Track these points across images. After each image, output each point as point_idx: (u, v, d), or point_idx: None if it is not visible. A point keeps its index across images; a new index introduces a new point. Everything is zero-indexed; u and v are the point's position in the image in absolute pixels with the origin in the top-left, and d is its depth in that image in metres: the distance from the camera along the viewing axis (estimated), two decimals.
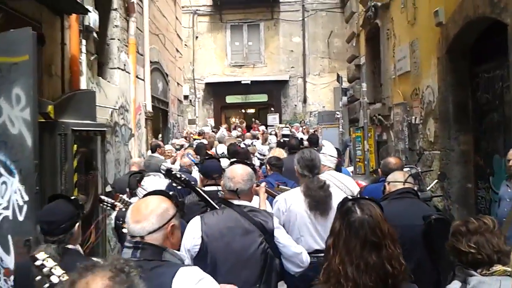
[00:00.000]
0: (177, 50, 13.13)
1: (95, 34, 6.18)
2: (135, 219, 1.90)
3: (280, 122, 17.94)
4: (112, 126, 6.86)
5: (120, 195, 3.97)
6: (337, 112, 12.96)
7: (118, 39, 7.28)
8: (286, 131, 14.38)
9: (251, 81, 18.04)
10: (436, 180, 5.77)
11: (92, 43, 6.16)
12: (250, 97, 18.80)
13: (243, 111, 21.14)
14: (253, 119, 17.59)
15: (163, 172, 3.71)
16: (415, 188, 3.49)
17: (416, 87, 7.95)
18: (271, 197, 3.65)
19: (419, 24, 7.76)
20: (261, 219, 2.69)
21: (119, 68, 7.31)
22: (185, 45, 18.09)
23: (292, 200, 3.34)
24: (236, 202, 2.76)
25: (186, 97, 18.43)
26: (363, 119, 7.37)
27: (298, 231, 3.29)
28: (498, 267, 2.05)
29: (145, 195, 2.11)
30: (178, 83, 13.46)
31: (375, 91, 10.64)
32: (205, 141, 10.99)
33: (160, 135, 10.76)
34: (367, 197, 2.06)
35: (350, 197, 2.12)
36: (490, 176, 6.12)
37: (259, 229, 2.64)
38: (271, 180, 4.78)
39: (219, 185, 3.76)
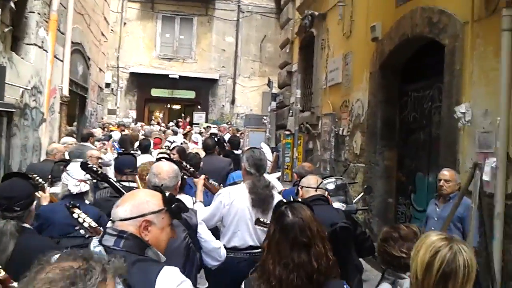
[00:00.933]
0: (103, 34, 12.31)
1: (12, 4, 5.47)
2: (118, 203, 1.87)
3: (207, 121, 17.61)
4: (22, 108, 6.15)
5: (34, 175, 3.59)
6: (265, 117, 12.86)
7: (38, 13, 6.57)
8: (214, 130, 14.14)
9: (180, 76, 17.52)
10: (362, 193, 5.76)
11: (8, 14, 5.46)
12: (177, 93, 18.23)
13: (168, 106, 20.45)
14: (182, 115, 17.08)
15: (80, 165, 3.35)
16: (326, 195, 3.51)
17: (346, 99, 8.00)
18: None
19: (355, 37, 7.81)
20: (186, 215, 2.62)
21: (35, 45, 6.59)
22: (112, 30, 17.15)
23: (236, 195, 3.44)
24: None
25: (108, 85, 17.49)
26: (294, 126, 7.25)
27: (237, 225, 3.42)
28: None
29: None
30: (100, 69, 12.61)
31: (305, 99, 10.65)
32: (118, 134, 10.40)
33: (75, 123, 9.96)
34: (299, 199, 2.29)
35: (284, 201, 2.28)
36: (412, 193, 6.24)
37: (183, 224, 2.64)
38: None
39: (132, 181, 3.91)
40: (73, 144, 7.20)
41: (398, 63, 6.73)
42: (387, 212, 6.70)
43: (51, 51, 7.23)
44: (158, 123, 17.22)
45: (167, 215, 1.89)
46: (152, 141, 10.09)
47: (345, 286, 2.02)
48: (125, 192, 2.95)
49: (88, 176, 3.36)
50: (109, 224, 1.86)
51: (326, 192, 3.81)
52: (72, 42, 8.71)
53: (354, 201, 5.75)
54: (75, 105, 10.33)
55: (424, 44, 6.00)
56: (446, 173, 4.34)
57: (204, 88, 18.21)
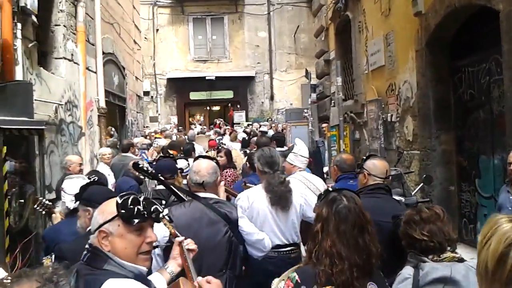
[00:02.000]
0: (135, 42, 12.24)
1: (34, 18, 5.33)
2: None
3: (247, 120, 17.35)
4: (57, 124, 6.02)
5: (40, 198, 3.81)
6: (305, 110, 12.41)
7: (64, 26, 6.43)
8: (265, 128, 13.82)
9: (216, 77, 17.33)
10: (421, 184, 5.25)
11: (31, 28, 5.32)
12: (215, 94, 18.07)
13: (207, 108, 20.33)
14: (219, 118, 16.92)
15: (132, 165, 3.34)
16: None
17: (392, 82, 7.46)
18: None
19: (395, 14, 7.26)
20: (226, 210, 2.84)
21: (65, 58, 6.47)
22: (145, 38, 17.19)
23: (255, 197, 3.39)
24: (202, 194, 2.87)
25: (147, 93, 17.57)
26: (338, 117, 6.79)
27: (261, 226, 3.32)
28: (448, 254, 2.25)
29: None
30: (136, 78, 12.56)
31: (346, 87, 10.14)
32: (164, 141, 10.27)
33: (115, 133, 9.86)
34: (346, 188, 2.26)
35: (330, 189, 2.29)
36: (476, 179, 5.66)
37: (224, 219, 2.79)
38: (252, 179, 4.42)
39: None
40: (107, 155, 7.05)
41: (447, 37, 6.15)
42: (450, 201, 6.13)
43: (83, 63, 7.11)
44: (200, 125, 17.15)
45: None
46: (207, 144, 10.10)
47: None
48: (176, 190, 3.10)
49: None
50: None
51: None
52: (104, 53, 8.61)
53: (413, 193, 5.24)
54: (115, 116, 10.28)
55: (474, 13, 5.41)
56: None
57: (241, 86, 17.94)
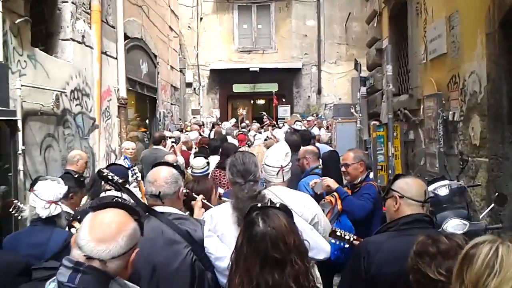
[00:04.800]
0: (171, 29, 11.49)
1: None
2: (98, 237, 1.58)
3: (292, 115, 16.34)
4: (59, 115, 5.29)
5: (15, 201, 3.39)
6: (352, 106, 11.22)
7: (73, 2, 5.68)
8: (298, 126, 12.83)
9: (260, 69, 16.42)
10: (492, 205, 4.06)
11: (21, 1, 4.56)
12: (259, 86, 17.15)
13: (251, 101, 19.43)
14: (261, 113, 15.99)
15: (97, 173, 3.08)
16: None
17: (455, 73, 6.20)
18: None
19: None
20: (189, 228, 2.43)
21: (73, 40, 5.74)
22: (189, 27, 16.55)
23: (219, 217, 2.72)
24: (160, 209, 2.46)
25: (189, 84, 17.00)
26: (387, 113, 5.66)
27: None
28: None
29: (102, 204, 1.74)
30: (172, 67, 11.81)
31: (400, 79, 8.91)
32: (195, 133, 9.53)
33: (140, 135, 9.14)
34: (278, 204, 1.86)
35: (258, 205, 1.87)
36: None
37: (185, 239, 2.38)
38: None
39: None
40: (130, 149, 6.39)
41: None
42: None
43: (97, 47, 6.39)
44: (242, 120, 16.32)
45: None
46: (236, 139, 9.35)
47: None
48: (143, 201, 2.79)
49: (60, 196, 2.99)
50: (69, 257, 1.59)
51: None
52: (130, 37, 7.90)
53: (481, 216, 4.08)
54: (144, 107, 9.58)
55: None
56: None
57: (287, 79, 16.93)
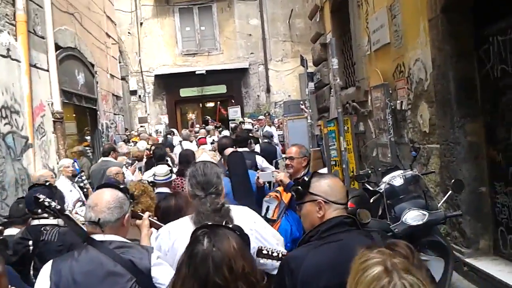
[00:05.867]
0: (109, 36, 10.97)
1: None
2: None
3: (243, 116, 16.15)
4: None
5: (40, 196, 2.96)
6: (302, 102, 11.13)
7: None
8: (248, 125, 12.66)
9: (207, 71, 16.12)
10: (449, 192, 3.97)
11: None
12: (207, 89, 16.82)
13: (200, 105, 19.06)
14: (205, 117, 15.77)
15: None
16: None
17: (400, 62, 6.19)
18: None
19: None
20: (133, 257, 2.14)
21: None
22: (128, 32, 16.01)
23: (179, 233, 2.41)
24: (99, 237, 2.18)
25: (134, 92, 16.48)
26: (337, 108, 5.53)
27: None
28: None
29: None
30: (112, 75, 11.28)
31: (346, 72, 8.87)
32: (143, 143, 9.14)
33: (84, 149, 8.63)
34: (232, 224, 1.65)
35: (208, 223, 1.66)
36: None
37: (128, 270, 2.09)
38: None
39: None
40: (70, 167, 5.98)
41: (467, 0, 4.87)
42: (481, 206, 4.86)
43: (25, 59, 5.90)
44: (192, 125, 15.94)
45: None
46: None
47: None
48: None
49: None
50: None
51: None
52: (62, 47, 7.40)
53: (439, 204, 3.99)
54: (84, 120, 9.05)
55: None
56: None
57: (235, 79, 16.69)
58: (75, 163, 7.39)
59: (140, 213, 2.73)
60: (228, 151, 4.80)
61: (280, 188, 3.79)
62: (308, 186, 2.08)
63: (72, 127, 8.59)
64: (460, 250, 4.84)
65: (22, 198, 3.87)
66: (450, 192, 3.93)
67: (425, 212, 3.61)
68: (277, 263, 2.16)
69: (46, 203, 2.66)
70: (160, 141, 11.07)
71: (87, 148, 8.74)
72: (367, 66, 7.46)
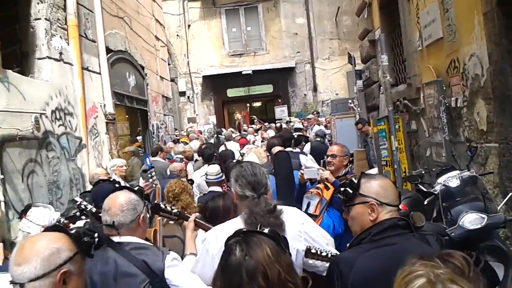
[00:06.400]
0: (158, 38, 11.20)
1: None
2: (17, 261, 1.56)
3: (289, 115, 16.06)
4: (40, 138, 4.99)
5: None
6: (350, 100, 10.91)
7: (46, 19, 5.39)
8: (298, 125, 12.53)
9: (253, 71, 16.18)
10: (510, 194, 3.74)
11: None
12: (253, 89, 16.88)
13: (247, 105, 19.14)
14: (252, 116, 15.78)
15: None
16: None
17: (454, 58, 5.91)
18: None
19: None
20: (147, 258, 2.17)
21: (50, 58, 5.44)
22: (177, 35, 16.29)
23: (227, 236, 2.13)
24: (116, 239, 2.25)
25: (183, 93, 16.75)
26: (387, 106, 5.35)
27: None
28: None
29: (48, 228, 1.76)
30: (162, 77, 11.52)
31: (397, 69, 8.60)
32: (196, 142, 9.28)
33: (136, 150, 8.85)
34: (266, 229, 1.56)
35: (243, 229, 1.64)
36: None
37: (142, 271, 2.14)
38: None
39: None
40: (123, 166, 6.13)
41: None
42: None
43: (77, 62, 6.10)
44: (239, 125, 16.03)
45: (80, 256, 1.62)
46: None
47: None
48: None
49: (53, 221, 3.04)
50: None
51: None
52: (113, 51, 7.60)
53: (499, 207, 3.76)
54: (136, 121, 9.28)
55: None
56: None
57: (281, 79, 16.63)
58: (146, 158, 7.81)
59: (187, 214, 2.73)
60: (276, 149, 4.76)
61: (321, 185, 3.77)
62: (358, 187, 1.99)
63: (124, 128, 8.83)
64: None
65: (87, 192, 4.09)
66: (510, 194, 3.70)
67: (483, 215, 3.41)
68: (327, 264, 2.09)
69: (82, 206, 2.84)
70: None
71: (138, 148, 8.95)
72: (418, 62, 7.19)
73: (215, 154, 7.07)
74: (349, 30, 15.68)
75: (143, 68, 9.45)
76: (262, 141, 10.18)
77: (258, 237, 1.50)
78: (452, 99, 5.88)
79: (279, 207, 2.33)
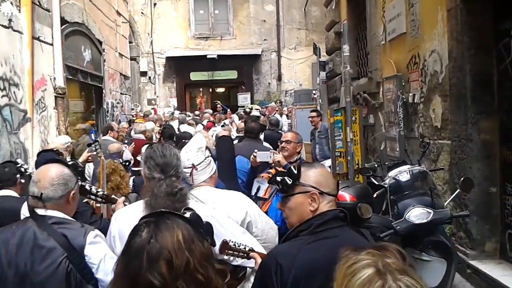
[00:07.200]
0: (119, 14, 10.78)
1: None
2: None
3: (252, 102, 15.91)
4: None
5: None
6: (314, 91, 10.89)
7: None
8: (256, 112, 12.44)
9: (218, 55, 15.92)
10: (457, 191, 3.75)
11: None
12: (218, 74, 16.63)
13: (210, 90, 18.87)
14: (215, 101, 15.57)
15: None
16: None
17: (415, 53, 5.94)
18: None
19: None
20: (68, 232, 2.10)
21: None
22: (142, 12, 15.81)
23: (126, 218, 2.27)
24: (41, 212, 2.16)
25: (144, 73, 16.31)
26: (345, 97, 5.31)
27: None
28: None
29: None
30: (121, 54, 11.11)
31: (359, 63, 8.61)
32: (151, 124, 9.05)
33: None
34: (189, 213, 1.35)
35: (161, 210, 1.38)
36: None
37: (61, 245, 2.07)
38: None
39: None
40: (69, 144, 5.83)
41: None
42: (490, 207, 4.64)
43: (28, 31, 5.73)
44: (200, 109, 15.78)
45: None
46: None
47: None
48: None
49: None
50: None
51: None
52: (69, 22, 7.23)
53: (446, 202, 3.77)
54: (90, 97, 8.90)
55: None
56: None
57: (246, 65, 16.46)
58: (92, 133, 7.62)
59: (115, 197, 2.64)
60: (221, 134, 4.68)
61: (272, 170, 3.76)
62: (298, 176, 1.87)
63: (78, 104, 8.47)
64: (464, 252, 4.64)
65: (7, 163, 3.87)
66: (458, 190, 3.72)
67: (430, 210, 3.40)
68: (241, 261, 1.98)
69: (94, 191, 2.71)
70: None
71: (90, 126, 8.62)
72: (380, 56, 7.20)
73: (174, 135, 6.98)
74: (317, 22, 15.64)
75: (100, 43, 9.06)
76: (222, 126, 10.06)
77: (173, 220, 1.30)
78: (410, 94, 5.91)
79: (184, 191, 2.22)
